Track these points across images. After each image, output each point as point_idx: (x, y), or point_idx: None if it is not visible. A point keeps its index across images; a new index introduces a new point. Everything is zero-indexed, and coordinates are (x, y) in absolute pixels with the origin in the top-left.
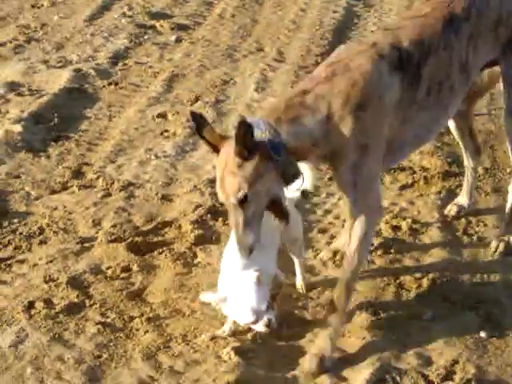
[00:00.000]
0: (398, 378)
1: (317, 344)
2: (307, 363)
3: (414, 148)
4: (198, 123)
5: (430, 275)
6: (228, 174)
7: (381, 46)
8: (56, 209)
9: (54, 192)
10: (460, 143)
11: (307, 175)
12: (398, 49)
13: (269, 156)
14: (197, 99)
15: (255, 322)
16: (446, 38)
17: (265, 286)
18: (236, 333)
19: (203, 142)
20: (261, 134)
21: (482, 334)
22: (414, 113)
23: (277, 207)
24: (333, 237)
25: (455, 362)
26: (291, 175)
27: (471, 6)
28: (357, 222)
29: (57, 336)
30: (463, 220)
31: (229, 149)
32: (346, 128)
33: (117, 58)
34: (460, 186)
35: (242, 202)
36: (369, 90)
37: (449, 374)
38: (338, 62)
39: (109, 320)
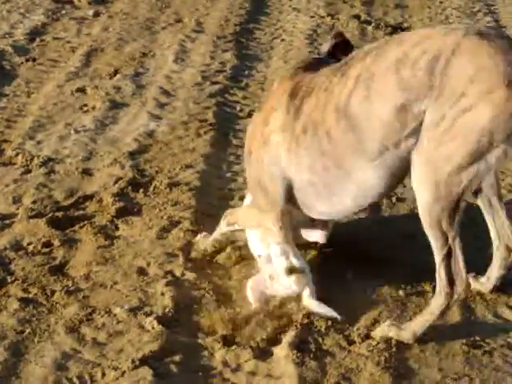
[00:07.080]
0: (319, 339)
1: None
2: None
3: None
4: None
5: (352, 234)
6: None
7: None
8: None
9: None
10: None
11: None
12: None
13: None
14: (116, 72)
15: None
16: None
17: None
18: None
19: None
20: None
21: (401, 293)
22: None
23: None
24: None
25: (376, 320)
26: None
27: None
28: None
29: None
30: None
31: None
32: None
33: (34, 34)
34: None
35: None
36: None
37: (370, 333)
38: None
39: (31, 295)
